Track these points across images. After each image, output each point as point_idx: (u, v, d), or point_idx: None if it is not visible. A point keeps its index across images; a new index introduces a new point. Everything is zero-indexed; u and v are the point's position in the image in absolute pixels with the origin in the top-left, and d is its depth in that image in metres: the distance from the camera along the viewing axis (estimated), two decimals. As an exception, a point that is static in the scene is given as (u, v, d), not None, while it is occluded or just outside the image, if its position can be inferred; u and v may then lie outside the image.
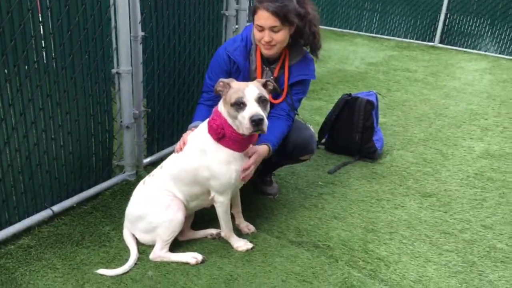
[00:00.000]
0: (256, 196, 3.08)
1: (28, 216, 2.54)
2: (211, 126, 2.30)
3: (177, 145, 2.46)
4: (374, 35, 8.40)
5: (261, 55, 2.65)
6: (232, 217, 2.67)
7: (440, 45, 7.83)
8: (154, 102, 3.15)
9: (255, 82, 2.29)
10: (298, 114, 2.82)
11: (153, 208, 2.41)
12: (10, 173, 2.38)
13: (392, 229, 2.81)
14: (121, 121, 2.94)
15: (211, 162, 2.31)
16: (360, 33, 8.50)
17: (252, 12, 2.51)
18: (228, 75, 2.64)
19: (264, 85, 2.30)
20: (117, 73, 2.79)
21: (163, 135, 3.34)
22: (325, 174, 3.44)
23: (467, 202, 3.15)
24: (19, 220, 2.50)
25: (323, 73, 5.98)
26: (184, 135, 2.48)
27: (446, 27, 7.83)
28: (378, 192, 3.22)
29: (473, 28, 7.60)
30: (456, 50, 7.65)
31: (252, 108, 2.15)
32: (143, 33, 2.87)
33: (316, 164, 3.57)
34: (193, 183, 2.39)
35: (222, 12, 3.53)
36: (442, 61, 6.91)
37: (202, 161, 2.33)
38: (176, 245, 2.51)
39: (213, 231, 2.62)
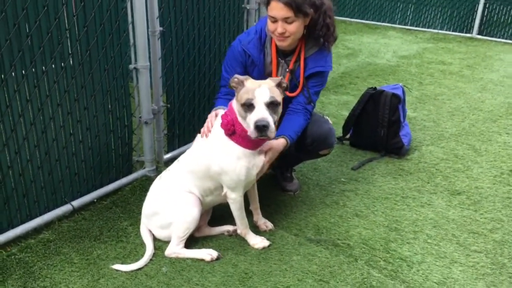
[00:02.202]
0: (275, 192, 3.02)
1: (48, 211, 2.58)
2: (223, 121, 2.26)
3: (203, 128, 2.40)
4: (408, 27, 8.14)
5: (276, 47, 2.58)
6: (250, 214, 2.63)
7: (479, 36, 7.50)
8: (173, 97, 3.14)
9: (268, 81, 2.22)
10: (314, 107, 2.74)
11: (169, 204, 2.40)
12: (30, 169, 2.42)
13: (417, 228, 2.69)
14: (140, 117, 2.95)
15: (221, 157, 2.28)
16: (394, 25, 8.25)
17: (266, 2, 2.45)
18: (244, 67, 2.59)
19: (278, 84, 2.24)
20: (135, 68, 2.79)
21: (183, 130, 3.32)
22: (349, 170, 3.34)
23: (500, 201, 2.98)
24: (40, 214, 2.54)
25: (353, 67, 5.83)
26: (209, 116, 2.43)
27: (485, 17, 7.49)
28: (403, 190, 3.09)
29: (513, 17, 7.24)
30: (495, 41, 7.30)
31: (259, 113, 2.10)
32: (161, 28, 2.86)
33: (339, 160, 3.47)
34: (206, 178, 2.36)
35: (243, 5, 3.48)
36: (480, 53, 6.62)
37: (214, 155, 2.30)
38: (192, 241, 2.49)
39: (229, 227, 2.59)
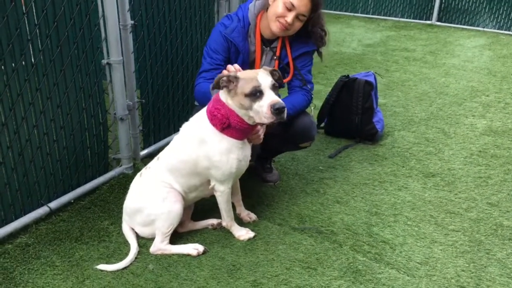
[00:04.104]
0: (256, 183, 3.02)
1: (24, 214, 2.49)
2: (215, 115, 2.20)
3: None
4: (370, 16, 8.26)
5: (261, 35, 2.58)
6: (233, 206, 2.61)
7: (438, 23, 7.70)
8: (148, 92, 3.08)
9: (262, 70, 2.21)
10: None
11: (150, 201, 2.35)
12: (3, 171, 2.32)
13: (396, 211, 2.76)
14: (114, 113, 2.87)
15: (211, 152, 2.24)
16: (356, 14, 8.36)
17: None
18: (228, 52, 2.58)
19: (271, 73, 2.24)
20: (108, 63, 2.72)
21: (159, 126, 3.27)
22: (326, 158, 3.38)
23: (472, 180, 3.09)
24: (16, 218, 2.45)
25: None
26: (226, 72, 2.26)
27: (443, 4, 7.70)
28: (380, 174, 3.16)
29: (470, 4, 7.46)
30: (454, 27, 7.52)
31: (272, 97, 2.10)
32: (132, 22, 2.79)
33: (316, 149, 3.51)
34: (192, 174, 2.33)
35: (213, -4, 3.44)
36: (441, 39, 6.80)
37: (201, 151, 2.26)
38: (176, 237, 2.46)
39: (213, 221, 2.57)
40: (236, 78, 2.13)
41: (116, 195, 2.81)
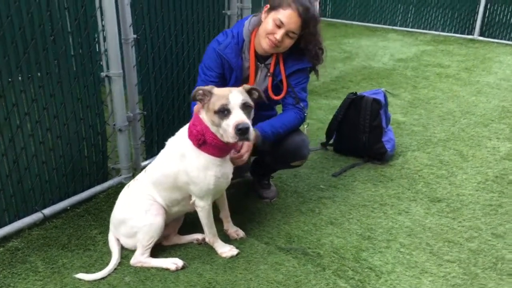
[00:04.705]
0: (251, 199, 2.99)
1: (19, 219, 2.58)
2: (191, 131, 2.23)
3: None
4: (409, 29, 8.04)
5: (255, 52, 2.56)
6: (220, 222, 2.60)
7: (480, 38, 7.37)
8: (151, 104, 3.13)
9: (239, 88, 2.21)
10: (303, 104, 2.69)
11: (134, 213, 2.38)
12: (-3, 177, 2.43)
13: (391, 237, 2.64)
14: (113, 124, 2.94)
15: (189, 167, 2.25)
16: (394, 27, 8.17)
17: (279, 5, 2.41)
18: (222, 69, 2.57)
19: (249, 92, 2.22)
20: (107, 76, 2.79)
21: (163, 137, 3.30)
22: (329, 177, 3.29)
23: (480, 208, 2.91)
24: (9, 223, 2.55)
25: (347, 71, 5.77)
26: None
27: (486, 18, 7.36)
28: (382, 196, 3.04)
29: (516, 18, 7.10)
30: (496, 42, 7.17)
31: (237, 116, 2.07)
32: (135, 36, 2.85)
33: (321, 167, 3.43)
34: (173, 189, 2.35)
35: (223, 11, 3.46)
36: (480, 55, 6.50)
37: (181, 166, 2.28)
38: (160, 250, 2.48)
39: (198, 236, 2.57)
40: (210, 92, 2.14)
41: (111, 204, 2.85)
